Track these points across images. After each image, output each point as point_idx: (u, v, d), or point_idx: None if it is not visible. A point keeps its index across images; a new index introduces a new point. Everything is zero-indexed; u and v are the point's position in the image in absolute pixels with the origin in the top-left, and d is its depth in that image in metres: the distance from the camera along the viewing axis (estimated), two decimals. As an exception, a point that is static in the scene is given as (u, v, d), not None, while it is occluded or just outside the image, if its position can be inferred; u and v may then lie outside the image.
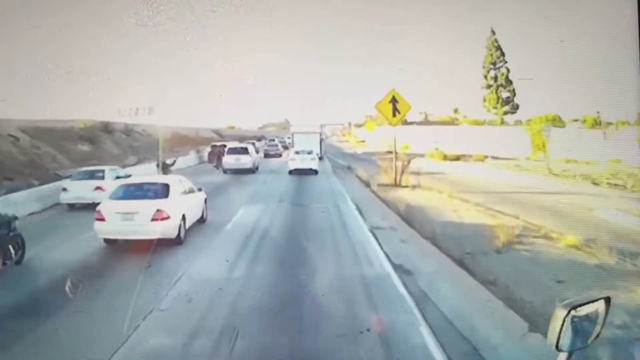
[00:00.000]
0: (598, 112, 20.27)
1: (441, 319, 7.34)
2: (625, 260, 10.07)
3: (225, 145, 22.62)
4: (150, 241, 10.43)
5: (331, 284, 8.22)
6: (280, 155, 25.92)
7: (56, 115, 20.20)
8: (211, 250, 11.02)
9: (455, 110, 27.11)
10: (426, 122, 27.44)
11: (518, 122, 24.63)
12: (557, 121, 23.17)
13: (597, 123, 21.18)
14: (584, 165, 19.45)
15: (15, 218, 10.53)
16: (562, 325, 2.49)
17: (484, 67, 24.33)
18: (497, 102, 24.57)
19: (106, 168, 16.14)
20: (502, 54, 24.00)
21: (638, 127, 16.58)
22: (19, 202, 14.02)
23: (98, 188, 14.16)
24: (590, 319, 2.65)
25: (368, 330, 6.98)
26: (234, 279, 9.16)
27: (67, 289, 7.73)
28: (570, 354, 2.59)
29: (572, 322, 2.55)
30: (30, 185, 16.81)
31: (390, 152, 22.28)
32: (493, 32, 23.69)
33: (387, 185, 17.59)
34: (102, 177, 15.34)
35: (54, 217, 14.86)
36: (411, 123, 25.78)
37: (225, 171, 20.88)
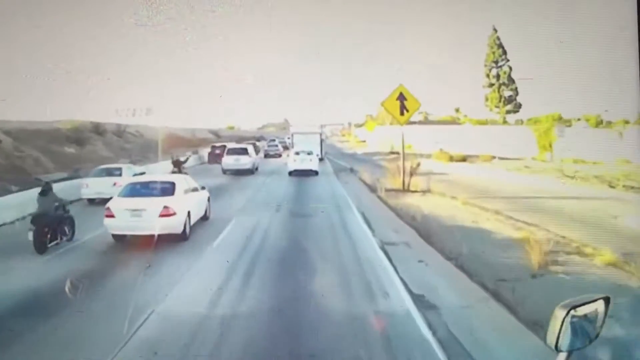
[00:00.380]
0: (606, 111, 18.20)
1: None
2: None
3: (225, 146, 21.95)
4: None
5: (337, 334, 5.72)
6: (280, 156, 25.17)
7: (45, 116, 19.27)
8: (188, 280, 9.09)
9: (457, 110, 25.40)
10: (426, 121, 25.75)
11: (519, 122, 23.24)
12: (563, 120, 21.36)
13: (599, 122, 20.01)
14: (591, 166, 18.19)
15: (70, 202, 12.04)
16: (562, 325, 2.38)
17: (485, 65, 22.91)
18: (500, 101, 23.12)
19: (123, 166, 16.77)
20: (504, 52, 22.56)
21: (641, 126, 14.20)
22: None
23: (116, 184, 14.31)
24: (590, 319, 2.52)
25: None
26: (210, 330, 6.94)
27: (67, 289, 7.72)
28: (569, 354, 2.46)
29: (572, 322, 2.43)
30: (6, 192, 15.48)
31: (393, 153, 21.09)
32: (495, 30, 22.21)
33: (394, 190, 15.24)
34: (120, 174, 15.83)
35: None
36: (413, 123, 23.09)
37: (224, 172, 20.20)
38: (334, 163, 22.28)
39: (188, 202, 11.68)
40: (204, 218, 12.86)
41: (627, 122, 17.65)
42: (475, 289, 8.00)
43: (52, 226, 11.12)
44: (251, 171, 20.48)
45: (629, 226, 11.59)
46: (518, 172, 19.30)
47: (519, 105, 22.86)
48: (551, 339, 2.40)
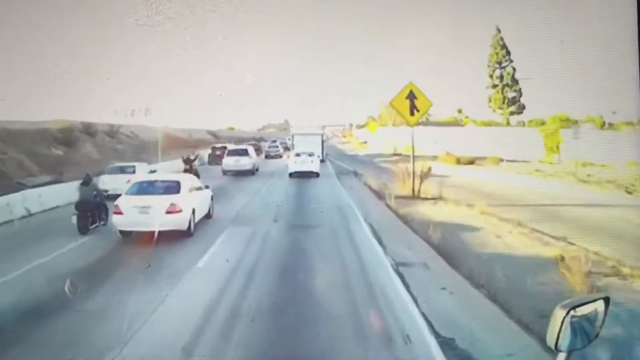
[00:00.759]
0: (614, 113, 17.16)
1: None
2: None
3: (225, 147, 21.42)
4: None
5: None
6: (280, 156, 24.49)
7: (32, 116, 17.95)
8: (160, 319, 7.32)
9: (459, 111, 23.93)
10: (428, 123, 23.82)
11: (520, 123, 22.09)
12: (570, 122, 19.83)
13: (602, 124, 19.15)
14: (600, 169, 16.88)
15: (106, 191, 13.07)
16: (561, 325, 2.29)
17: (489, 66, 21.64)
18: (503, 102, 21.78)
19: (136, 164, 17.01)
20: (508, 53, 21.29)
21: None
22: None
23: (129, 181, 14.09)
24: (590, 319, 2.43)
25: None
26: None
27: (66, 289, 7.65)
28: (569, 354, 2.36)
29: (571, 322, 2.33)
30: (-17, 196, 13.97)
31: (397, 155, 20.27)
32: (498, 30, 20.97)
33: (404, 197, 13.38)
34: (133, 172, 15.98)
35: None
36: (417, 124, 20.74)
37: (224, 173, 19.66)
38: (336, 165, 21.07)
39: (193, 200, 11.77)
40: (208, 216, 12.95)
41: (629, 123, 16.61)
42: (515, 330, 6.04)
43: (92, 211, 12.09)
44: (252, 172, 19.88)
45: (659, 238, 10.05)
46: (530, 176, 17.84)
47: (523, 107, 21.69)
48: (551, 339, 2.29)
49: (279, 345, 6.04)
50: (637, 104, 11.65)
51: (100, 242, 11.45)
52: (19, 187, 15.07)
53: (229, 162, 19.92)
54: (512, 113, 21.62)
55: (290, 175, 19.15)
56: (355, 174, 19.65)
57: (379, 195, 15.33)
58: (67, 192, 15.42)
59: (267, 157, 24.57)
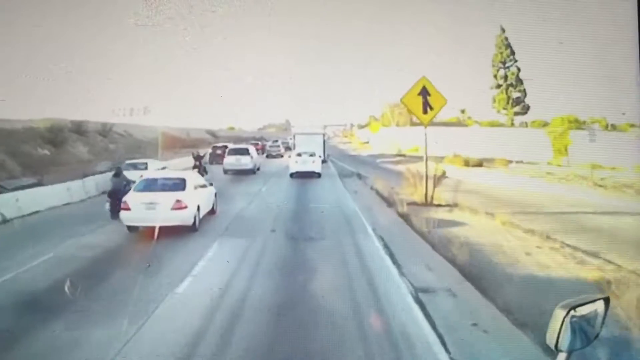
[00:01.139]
0: (623, 114, 15.08)
1: None
2: None
3: (226, 147, 20.86)
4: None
5: None
6: (282, 156, 23.83)
7: (21, 114, 17.14)
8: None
9: (463, 111, 23.18)
10: (431, 123, 20.54)
11: (523, 124, 21.19)
12: (578, 123, 18.86)
13: (606, 126, 18.22)
14: (610, 172, 15.64)
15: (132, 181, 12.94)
16: (562, 325, 2.23)
17: (493, 65, 20.78)
18: (507, 103, 20.93)
19: (148, 160, 17.15)
20: (512, 52, 20.47)
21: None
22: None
23: (142, 176, 13.58)
24: (590, 319, 2.35)
25: None
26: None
27: (66, 289, 7.25)
28: (569, 354, 2.29)
29: (572, 322, 2.27)
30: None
31: (401, 156, 19.52)
32: (503, 30, 20.20)
33: (415, 204, 11.60)
34: (145, 168, 16.16)
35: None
36: (417, 124, 20.32)
37: (225, 172, 19.10)
38: (339, 167, 19.84)
39: (197, 196, 11.85)
40: (211, 212, 12.90)
41: (632, 125, 15.94)
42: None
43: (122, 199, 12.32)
44: (253, 171, 19.35)
45: None
46: (543, 180, 16.47)
47: (527, 107, 20.85)
48: (551, 339, 2.23)
49: None
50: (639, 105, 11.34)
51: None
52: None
53: (230, 161, 19.47)
54: (516, 113, 20.79)
55: (291, 175, 18.31)
56: (360, 176, 18.23)
57: (388, 200, 13.57)
58: (50, 195, 13.75)
59: (268, 156, 24.04)
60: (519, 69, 20.28)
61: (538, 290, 6.92)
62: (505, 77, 20.37)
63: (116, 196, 12.56)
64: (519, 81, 20.33)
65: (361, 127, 27.18)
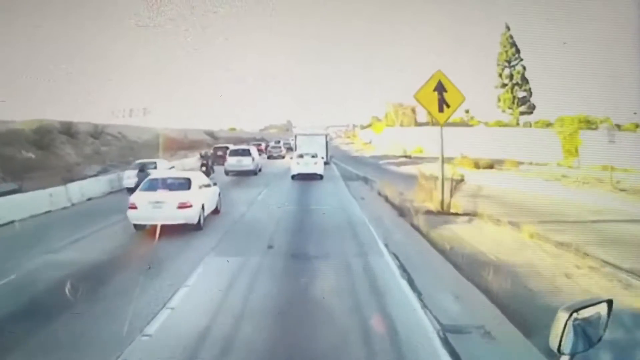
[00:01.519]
0: (635, 113, 14.50)
1: None
2: None
3: (227, 148, 20.35)
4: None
5: None
6: (283, 157, 23.10)
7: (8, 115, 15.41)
8: None
9: (467, 111, 22.03)
10: (434, 123, 19.84)
11: (527, 124, 20.12)
12: (589, 123, 17.52)
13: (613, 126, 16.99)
14: (621, 173, 14.11)
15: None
16: (564, 328, 2.14)
17: (498, 64, 19.80)
18: (513, 102, 19.86)
19: (157, 160, 16.89)
20: (517, 51, 19.45)
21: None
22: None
23: None
24: (592, 322, 2.25)
25: None
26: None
27: (66, 291, 6.69)
28: (572, 357, 2.19)
29: (574, 325, 2.18)
30: None
31: (406, 157, 18.39)
32: (508, 28, 19.36)
33: (430, 212, 10.16)
34: (155, 167, 16.02)
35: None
36: (426, 124, 19.89)
37: (227, 173, 18.56)
38: (342, 169, 18.86)
39: (202, 196, 11.84)
40: (215, 212, 12.71)
41: (638, 125, 15.84)
42: None
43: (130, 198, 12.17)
44: (254, 172, 18.78)
45: None
46: (559, 183, 14.94)
47: (533, 107, 19.87)
48: (554, 341, 2.12)
49: None
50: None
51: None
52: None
53: (232, 162, 19.03)
54: (522, 113, 19.86)
55: (293, 177, 17.37)
56: (366, 180, 16.19)
57: (399, 209, 11.79)
58: (29, 202, 12.14)
59: (269, 157, 23.31)
60: (524, 68, 19.30)
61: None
62: (511, 76, 19.37)
63: None
64: (525, 80, 19.35)
65: (363, 127, 26.13)
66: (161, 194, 11.27)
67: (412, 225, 10.30)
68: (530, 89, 19.46)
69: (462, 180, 11.93)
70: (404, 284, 6.91)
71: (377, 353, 5.24)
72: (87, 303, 6.60)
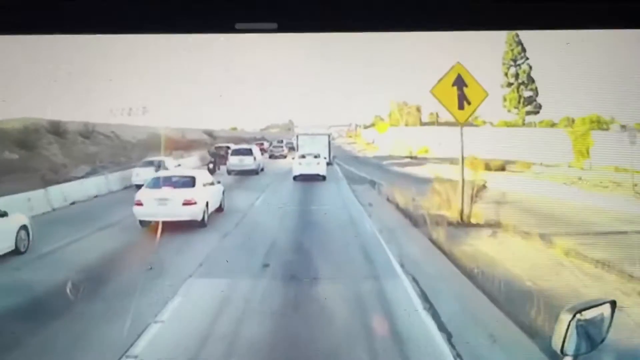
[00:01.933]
0: None
1: None
2: None
3: (228, 147, 19.70)
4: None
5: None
6: (285, 157, 22.31)
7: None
8: None
9: None
10: (438, 123, 20.04)
11: (531, 124, 18.64)
12: (600, 123, 15.80)
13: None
14: (634, 175, 12.73)
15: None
16: (567, 329, 2.08)
17: (503, 63, 18.60)
18: (519, 102, 18.57)
19: (165, 158, 16.53)
20: (524, 50, 18.14)
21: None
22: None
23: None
24: (596, 323, 2.20)
25: None
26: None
27: (67, 291, 6.60)
28: (575, 358, 2.15)
29: (577, 326, 2.12)
30: None
31: (413, 158, 16.84)
32: None
33: (449, 222, 8.11)
34: (163, 165, 16.29)
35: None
36: (431, 123, 18.90)
37: (229, 172, 18.30)
38: (346, 171, 17.49)
39: (206, 193, 11.74)
40: (219, 210, 12.62)
41: None
42: None
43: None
44: (256, 172, 18.56)
45: None
46: (577, 187, 13.71)
47: (539, 106, 18.69)
48: (557, 343, 2.10)
49: None
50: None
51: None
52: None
53: (234, 161, 18.75)
54: (528, 113, 18.88)
55: (295, 178, 17.00)
56: (372, 183, 14.80)
57: (412, 218, 10.32)
58: (5, 209, 10.47)
59: (271, 157, 22.83)
60: (530, 67, 18.45)
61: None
62: (517, 75, 18.50)
63: None
64: (531, 79, 18.50)
65: (366, 127, 25.02)
66: (166, 191, 11.32)
67: (430, 239, 9.19)
68: (536, 88, 18.40)
69: (484, 186, 10.47)
70: (429, 322, 5.36)
71: None
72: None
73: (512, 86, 18.98)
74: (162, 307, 5.05)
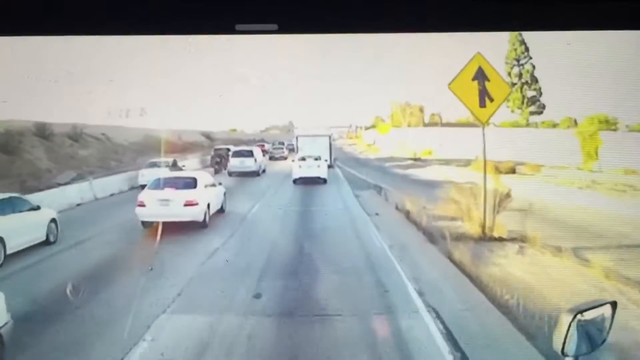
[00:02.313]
0: None
1: None
2: None
3: (229, 149, 20.30)
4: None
5: None
6: (285, 158, 22.91)
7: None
8: None
9: None
10: (441, 124, 20.59)
11: (533, 125, 19.15)
12: (609, 123, 15.80)
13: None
14: None
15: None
16: (568, 330, 2.16)
17: (506, 63, 18.99)
18: (522, 102, 19.12)
19: (169, 160, 17.36)
20: (527, 49, 18.56)
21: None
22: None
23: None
24: (596, 323, 2.29)
25: None
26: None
27: (68, 292, 6.93)
28: (576, 358, 2.23)
29: (578, 326, 2.20)
30: None
31: (417, 160, 17.02)
32: None
33: (470, 237, 7.89)
34: (168, 165, 16.78)
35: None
36: (435, 124, 19.19)
37: (230, 174, 18.91)
38: (349, 174, 17.24)
39: (208, 195, 12.19)
40: (220, 211, 13.08)
41: None
42: None
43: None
44: (257, 173, 19.10)
45: None
46: (594, 191, 13.31)
47: (543, 106, 19.09)
48: (557, 343, 2.17)
49: None
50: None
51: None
52: None
53: (235, 163, 19.46)
54: (531, 113, 19.16)
55: (295, 181, 17.11)
56: (377, 188, 14.31)
57: (426, 231, 9.55)
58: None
59: (271, 158, 23.36)
60: (533, 66, 18.74)
61: None
62: (520, 75, 18.86)
63: None
64: (534, 79, 18.82)
65: (367, 128, 25.35)
66: (168, 192, 11.75)
67: (451, 258, 8.14)
68: (540, 88, 18.74)
69: (508, 195, 9.64)
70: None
71: None
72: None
73: (516, 86, 19.21)
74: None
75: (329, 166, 18.29)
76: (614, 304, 2.23)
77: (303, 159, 17.55)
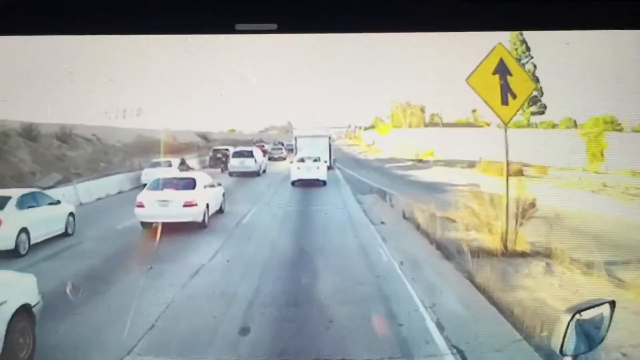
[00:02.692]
0: None
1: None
2: None
3: (227, 150, 20.79)
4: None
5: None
6: (284, 159, 23.19)
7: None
8: None
9: (474, 111, 20.76)
10: (441, 124, 20.42)
11: (533, 125, 19.23)
12: (614, 124, 15.85)
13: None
14: None
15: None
16: (567, 329, 2.21)
17: None
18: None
19: (172, 159, 17.63)
20: (528, 49, 18.36)
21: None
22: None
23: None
24: (595, 323, 2.34)
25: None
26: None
27: (68, 291, 7.03)
28: (574, 358, 2.28)
29: (577, 326, 2.26)
30: None
31: (418, 161, 16.77)
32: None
33: (490, 252, 7.38)
34: (170, 165, 16.92)
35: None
36: (436, 124, 19.13)
37: (230, 174, 19.36)
38: (349, 177, 17.01)
39: (207, 195, 12.40)
40: (220, 212, 13.28)
41: None
42: None
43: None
44: (257, 173, 19.47)
45: None
46: (607, 195, 12.74)
47: (544, 106, 19.17)
48: (556, 343, 2.19)
49: None
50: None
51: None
52: None
53: (235, 163, 19.87)
54: (533, 113, 19.38)
55: (293, 183, 17.17)
56: (382, 193, 13.55)
57: (440, 245, 8.78)
58: None
59: (270, 159, 23.62)
60: (534, 66, 18.65)
61: None
62: None
63: None
64: (535, 79, 18.50)
65: (367, 128, 25.46)
66: (167, 193, 11.99)
67: (471, 279, 7.10)
68: (541, 87, 18.59)
69: (533, 205, 8.62)
70: None
71: None
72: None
73: (516, 86, 21.38)
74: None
75: (329, 167, 18.22)
76: (612, 303, 2.29)
77: (302, 160, 17.53)
